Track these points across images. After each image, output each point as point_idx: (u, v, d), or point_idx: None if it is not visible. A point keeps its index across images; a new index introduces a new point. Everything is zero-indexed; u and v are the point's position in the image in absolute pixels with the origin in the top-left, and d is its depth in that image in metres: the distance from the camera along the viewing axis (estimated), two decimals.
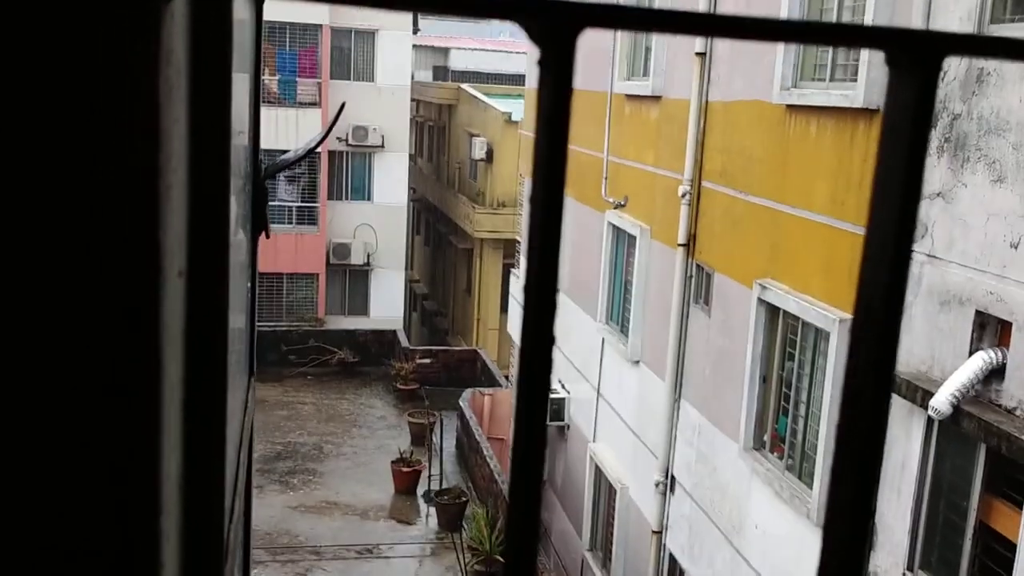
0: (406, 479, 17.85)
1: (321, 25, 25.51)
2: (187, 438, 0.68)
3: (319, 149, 25.46)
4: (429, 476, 17.80)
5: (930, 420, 6.61)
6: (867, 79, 7.41)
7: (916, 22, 6.88)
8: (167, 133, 0.50)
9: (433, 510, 17.07)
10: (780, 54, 8.68)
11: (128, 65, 0.45)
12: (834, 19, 8.18)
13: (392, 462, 18.09)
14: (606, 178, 13.01)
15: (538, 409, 0.46)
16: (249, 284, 1.70)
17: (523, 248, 18.12)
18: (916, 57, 0.46)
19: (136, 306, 0.49)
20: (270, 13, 26.54)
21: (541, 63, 0.42)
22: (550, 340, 0.48)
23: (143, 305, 0.49)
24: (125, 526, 0.53)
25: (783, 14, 8.62)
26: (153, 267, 0.48)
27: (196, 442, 0.71)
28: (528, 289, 0.45)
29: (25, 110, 0.45)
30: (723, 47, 10.05)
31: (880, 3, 7.30)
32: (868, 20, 7.43)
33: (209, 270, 0.70)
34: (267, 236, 1.75)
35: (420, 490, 17.93)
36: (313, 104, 25.52)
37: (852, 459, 0.50)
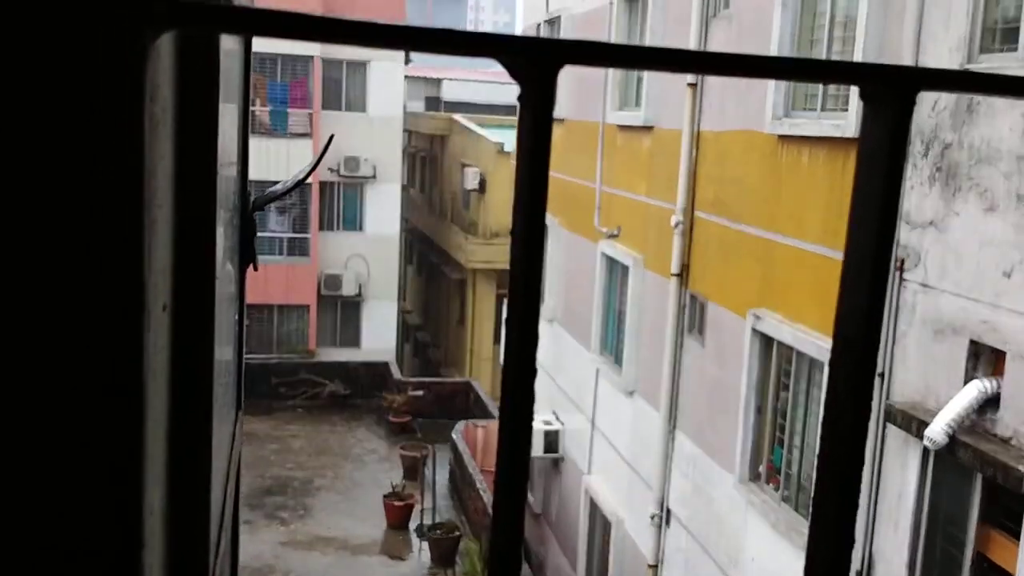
0: (398, 513, 17.69)
1: (312, 56, 25.65)
2: (172, 472, 0.65)
3: (310, 180, 25.50)
4: (422, 510, 17.65)
5: (926, 450, 6.58)
6: (858, 108, 7.45)
7: (906, 52, 6.93)
8: (151, 169, 0.48)
9: (426, 545, 16.91)
10: (771, 84, 8.73)
11: (113, 102, 0.44)
12: (824, 49, 8.25)
13: (384, 496, 17.94)
14: (599, 208, 13.05)
15: (522, 438, 0.44)
16: (237, 317, 1.67)
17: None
18: (890, 92, 0.46)
19: (118, 341, 0.47)
20: (261, 45, 26.81)
21: (521, 99, 0.41)
22: (532, 371, 0.47)
23: (125, 340, 0.47)
24: (106, 559, 0.52)
25: (773, 43, 8.69)
26: (136, 302, 0.47)
27: (181, 476, 0.68)
28: (510, 321, 0.43)
29: (9, 144, 0.44)
30: (715, 78, 10.12)
31: (870, 33, 7.36)
32: (858, 49, 7.49)
33: (195, 304, 0.67)
34: (255, 268, 1.72)
35: (413, 524, 17.76)
36: (304, 135, 25.60)
37: (834, 483, 0.49)
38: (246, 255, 1.62)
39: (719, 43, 10.02)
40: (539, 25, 16.05)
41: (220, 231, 1.28)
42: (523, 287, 0.46)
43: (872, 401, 0.49)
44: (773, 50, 8.70)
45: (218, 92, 0.72)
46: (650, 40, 11.52)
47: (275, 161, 25.00)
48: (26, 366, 0.47)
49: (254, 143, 27.99)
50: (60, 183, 0.44)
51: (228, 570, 1.49)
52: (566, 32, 14.72)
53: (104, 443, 0.48)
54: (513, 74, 0.44)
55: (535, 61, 0.43)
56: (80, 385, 0.48)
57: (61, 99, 0.43)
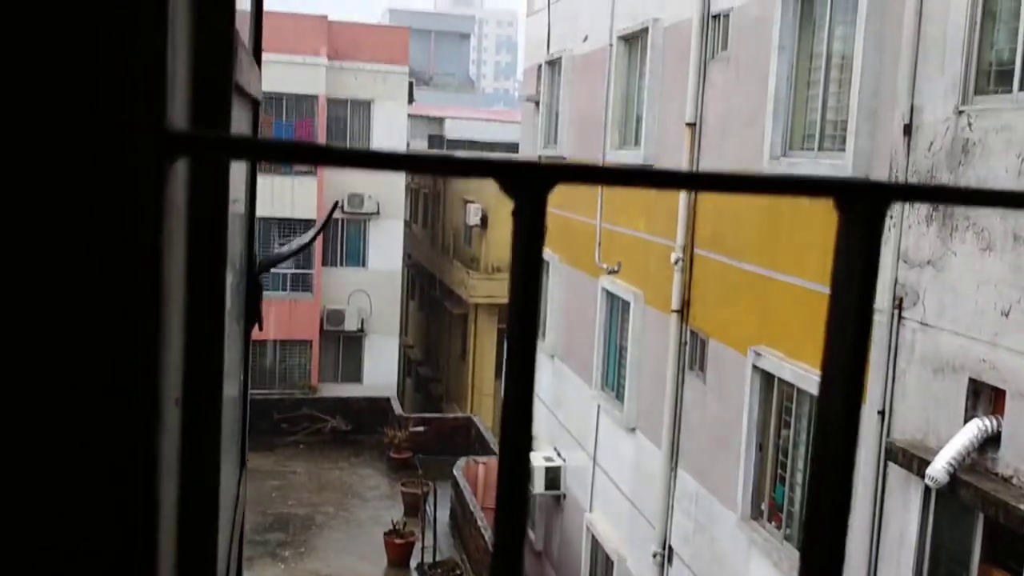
0: (399, 551, 17.57)
1: (317, 96, 25.88)
2: (180, 552, 0.69)
3: (315, 218, 25.63)
4: (423, 548, 17.53)
5: (927, 489, 6.57)
6: (855, 149, 7.53)
7: (901, 94, 7.02)
8: (166, 278, 0.52)
9: None
10: (769, 123, 8.83)
11: (132, 224, 0.47)
12: (820, 90, 8.34)
13: (385, 533, 17.83)
14: (599, 244, 13.11)
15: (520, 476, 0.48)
16: (242, 377, 1.71)
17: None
18: (862, 205, 0.50)
19: (132, 438, 0.50)
20: (267, 83, 26.92)
21: (514, 213, 0.46)
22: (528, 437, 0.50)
23: (140, 439, 0.50)
24: None
25: (771, 84, 8.79)
26: (153, 404, 0.50)
27: (189, 556, 0.71)
28: (504, 425, 0.47)
29: (33, 261, 0.47)
30: (713, 116, 10.22)
31: (866, 75, 7.46)
32: (854, 91, 7.58)
33: (204, 393, 0.71)
34: (260, 329, 1.77)
35: (413, 562, 17.63)
36: (309, 173, 25.76)
37: (823, 516, 0.52)
38: (251, 317, 1.66)
39: (717, 84, 10.14)
40: (540, 66, 16.23)
41: (230, 296, 1.33)
42: (516, 394, 0.49)
43: (851, 493, 0.54)
44: (770, 91, 8.81)
45: (227, 210, 0.76)
46: (649, 81, 11.66)
47: (280, 199, 25.14)
48: (43, 467, 0.49)
49: (260, 181, 28.03)
50: (81, 302, 0.47)
51: None
52: (566, 72, 14.88)
53: (121, 545, 0.51)
54: (508, 192, 0.49)
55: (527, 183, 0.48)
56: (97, 492, 0.50)
57: (81, 224, 0.46)
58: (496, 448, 21.69)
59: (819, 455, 0.55)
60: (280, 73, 24.86)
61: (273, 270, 26.20)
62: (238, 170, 1.46)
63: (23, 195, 0.46)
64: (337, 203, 3.09)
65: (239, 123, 1.27)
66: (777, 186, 0.56)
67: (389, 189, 27.08)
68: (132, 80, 0.46)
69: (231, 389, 1.39)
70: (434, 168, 0.50)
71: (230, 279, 1.31)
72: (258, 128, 1.69)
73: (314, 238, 2.55)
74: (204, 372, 0.72)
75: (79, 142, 0.45)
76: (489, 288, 25.84)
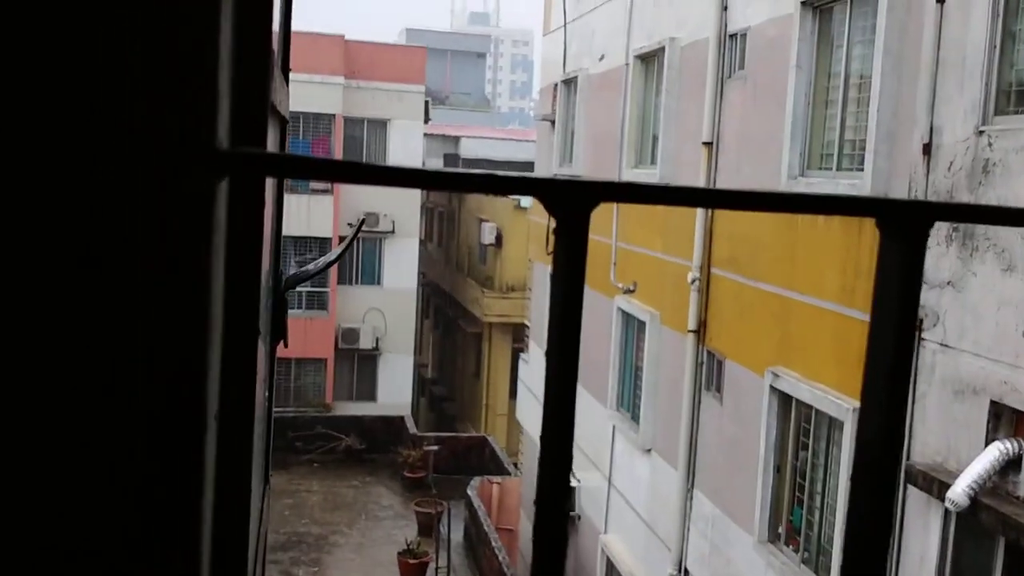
0: (413, 571, 17.50)
1: (334, 115, 26.05)
2: (214, 570, 0.68)
3: (330, 234, 25.73)
4: (436, 568, 17.46)
5: (947, 512, 6.50)
6: (874, 168, 7.50)
7: (920, 114, 6.99)
8: (214, 294, 0.52)
9: None
10: (787, 143, 8.81)
11: (186, 238, 0.47)
12: (839, 110, 8.32)
13: (399, 553, 17.77)
14: (615, 264, 13.09)
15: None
16: (267, 393, 1.70)
17: (532, 333, 17.94)
18: (904, 224, 0.49)
19: (182, 450, 0.50)
20: None
21: (556, 231, 0.46)
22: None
23: (187, 449, 0.51)
24: None
25: (788, 103, 8.77)
26: (199, 417, 0.50)
27: (220, 572, 0.71)
28: (544, 445, 0.47)
29: (89, 281, 0.47)
30: (730, 135, 10.22)
31: (884, 95, 7.44)
32: (872, 111, 7.56)
33: (239, 412, 0.71)
34: (285, 346, 1.77)
35: None
36: (325, 191, 25.89)
37: (863, 540, 0.51)
38: (277, 333, 1.66)
39: (734, 104, 10.14)
40: (556, 85, 16.28)
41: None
42: (557, 405, 0.49)
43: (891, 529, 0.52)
44: (788, 110, 8.79)
45: (263, 213, 0.77)
46: (666, 100, 11.67)
47: (296, 217, 25.25)
48: (91, 476, 0.50)
49: None
50: (135, 319, 0.48)
51: None
52: (582, 91, 14.92)
53: (164, 553, 0.51)
54: (550, 211, 0.49)
55: (570, 200, 0.48)
56: (146, 500, 0.50)
57: (133, 242, 0.47)
58: (510, 468, 21.62)
59: (860, 472, 0.54)
60: (297, 92, 24.99)
61: None
62: (267, 189, 1.46)
63: (78, 215, 0.46)
64: (363, 219, 3.11)
65: (270, 141, 1.27)
66: (818, 205, 0.55)
67: (404, 208, 27.18)
68: (188, 99, 0.46)
69: (259, 406, 1.39)
70: (477, 187, 0.50)
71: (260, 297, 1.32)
72: (286, 146, 1.69)
73: (341, 255, 2.55)
74: (239, 388, 0.71)
75: (132, 158, 0.46)
76: (503, 307, 25.84)
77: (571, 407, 0.50)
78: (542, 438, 0.50)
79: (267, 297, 1.50)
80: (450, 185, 0.46)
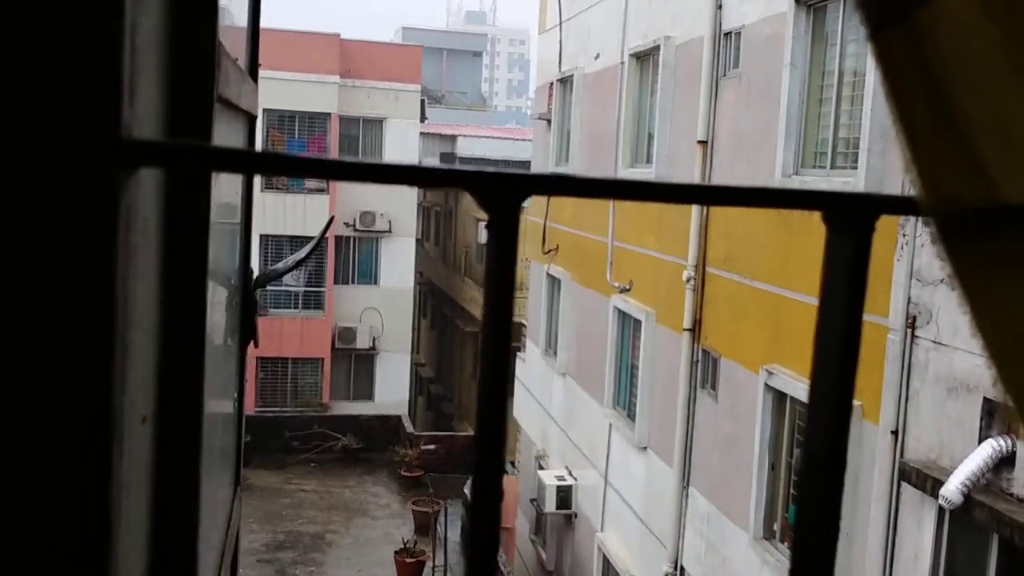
0: (410, 570, 17.51)
1: (330, 114, 26.03)
2: (155, 573, 0.67)
3: (327, 236, 25.70)
4: (433, 567, 17.47)
5: (941, 510, 6.50)
6: (867, 166, 7.50)
7: None
8: (128, 293, 0.50)
9: None
10: (781, 141, 8.81)
11: (84, 239, 0.46)
12: (833, 107, 8.32)
13: (395, 552, 17.77)
14: (611, 263, 13.09)
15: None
16: (236, 394, 1.70)
17: (529, 332, 17.96)
18: (850, 218, 0.49)
19: (86, 455, 0.49)
20: (279, 102, 27.03)
21: (488, 226, 0.45)
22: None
23: (94, 454, 0.49)
24: None
25: (783, 102, 8.77)
26: (105, 417, 0.49)
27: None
28: (478, 445, 0.46)
29: None
30: (725, 134, 10.22)
31: (878, 93, 7.43)
32: (867, 109, 7.56)
33: (181, 409, 0.70)
34: (255, 346, 1.76)
35: None
36: (321, 191, 25.87)
37: (812, 532, 0.51)
38: (247, 333, 1.65)
39: (729, 102, 10.14)
40: (552, 83, 16.28)
41: (221, 306, 1.32)
42: (489, 392, 0.48)
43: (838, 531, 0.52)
44: (782, 108, 8.79)
45: (208, 208, 0.75)
46: (661, 98, 11.67)
47: (292, 216, 25.25)
48: None
49: (272, 199, 28.10)
50: (29, 312, 0.46)
51: None
52: (578, 89, 14.92)
53: (72, 557, 0.49)
54: (481, 204, 0.48)
55: (499, 193, 0.47)
56: (50, 500, 0.49)
57: (34, 236, 0.45)
58: (507, 467, 21.63)
59: (807, 467, 0.54)
60: (293, 91, 25.03)
61: (285, 288, 26.29)
62: (232, 187, 1.45)
63: None
64: (333, 218, 3.11)
65: (231, 137, 1.26)
66: (765, 198, 0.55)
67: (401, 207, 27.17)
68: (82, 84, 0.45)
69: (222, 406, 1.38)
70: (405, 179, 0.49)
71: (224, 295, 1.30)
72: (254, 142, 1.68)
73: (310, 254, 2.54)
74: (181, 390, 0.70)
75: (24, 147, 0.44)
76: None
77: (503, 401, 0.49)
78: (475, 447, 0.49)
79: (235, 295, 1.49)
80: (373, 177, 0.45)
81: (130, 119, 0.48)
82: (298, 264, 2.50)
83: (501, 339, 0.48)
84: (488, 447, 0.48)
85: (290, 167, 0.45)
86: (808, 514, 0.53)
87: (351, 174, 0.47)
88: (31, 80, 0.44)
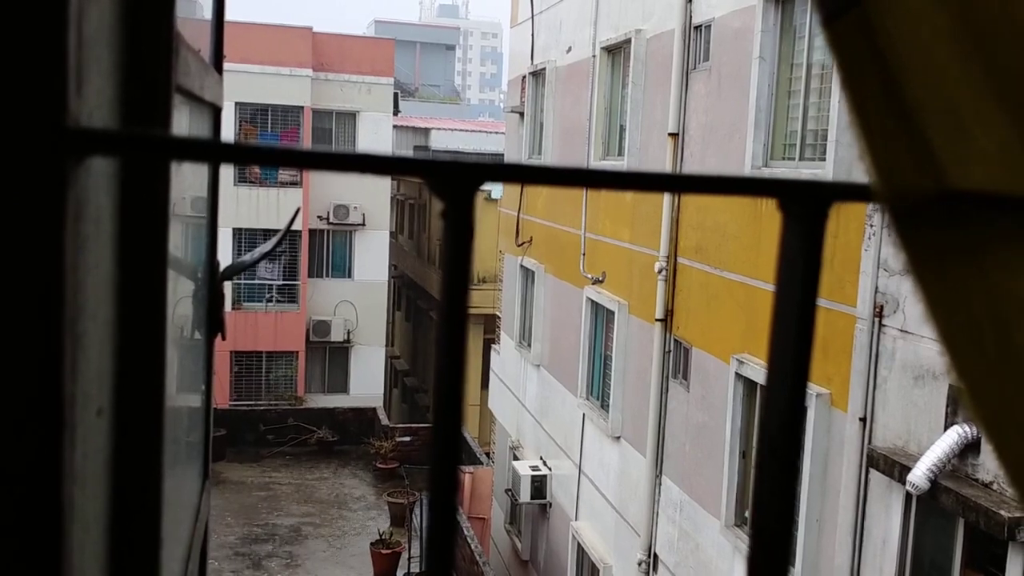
0: (385, 561, 17.51)
1: (303, 107, 25.88)
2: (115, 568, 0.68)
3: (299, 228, 25.59)
4: (409, 558, 17.48)
5: (908, 496, 6.60)
6: (835, 158, 7.58)
7: None
8: (78, 285, 0.51)
9: None
10: (751, 133, 8.88)
11: (29, 229, 0.46)
12: (801, 99, 8.39)
13: (371, 544, 17.77)
14: (584, 254, 13.13)
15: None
16: (204, 387, 1.70)
17: (504, 324, 17.94)
18: (805, 205, 0.50)
19: (36, 460, 0.49)
20: (252, 95, 26.81)
21: (443, 214, 0.46)
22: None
23: (43, 458, 0.49)
24: None
25: (752, 94, 8.84)
26: (55, 410, 0.49)
27: (123, 570, 0.71)
28: (434, 432, 0.47)
29: None
30: (696, 126, 10.27)
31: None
32: (834, 101, 7.63)
33: (141, 401, 0.71)
34: (223, 338, 1.77)
35: (400, 572, 17.57)
36: (294, 184, 25.73)
37: (768, 515, 0.52)
38: (213, 326, 1.66)
39: (699, 95, 10.19)
40: (524, 77, 16.27)
41: (187, 298, 1.33)
42: (446, 386, 0.49)
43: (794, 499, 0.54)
44: (751, 101, 8.86)
45: (167, 199, 0.76)
46: (632, 91, 11.71)
47: (266, 209, 25.09)
48: None
49: (244, 192, 27.86)
50: None
51: None
52: (550, 83, 14.93)
53: (24, 547, 0.49)
54: (436, 193, 0.49)
55: (454, 181, 0.48)
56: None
57: None
58: (482, 458, 21.65)
59: (764, 450, 0.55)
60: (265, 84, 24.87)
61: (259, 281, 26.14)
62: (198, 178, 1.46)
63: None
64: (299, 209, 3.11)
65: (194, 128, 1.27)
66: (722, 186, 0.55)
67: (374, 200, 27.08)
68: (25, 73, 0.46)
69: (188, 399, 1.39)
70: (361, 167, 0.50)
71: (190, 287, 1.31)
72: (219, 134, 1.69)
73: (277, 245, 2.55)
74: (140, 382, 0.71)
75: None
76: (474, 298, 25.79)
77: (459, 394, 0.50)
78: (432, 441, 0.51)
79: (201, 288, 1.50)
80: (327, 165, 0.47)
81: (78, 108, 0.48)
82: (265, 255, 2.50)
83: (456, 328, 0.49)
84: (446, 442, 0.49)
85: (244, 155, 0.47)
86: (764, 492, 0.55)
87: (305, 162, 0.49)
88: None
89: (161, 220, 0.73)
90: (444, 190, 0.49)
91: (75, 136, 0.46)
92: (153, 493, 0.75)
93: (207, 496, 1.71)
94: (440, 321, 0.50)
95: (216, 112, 1.57)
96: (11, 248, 0.46)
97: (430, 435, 0.51)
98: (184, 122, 1.10)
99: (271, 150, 0.48)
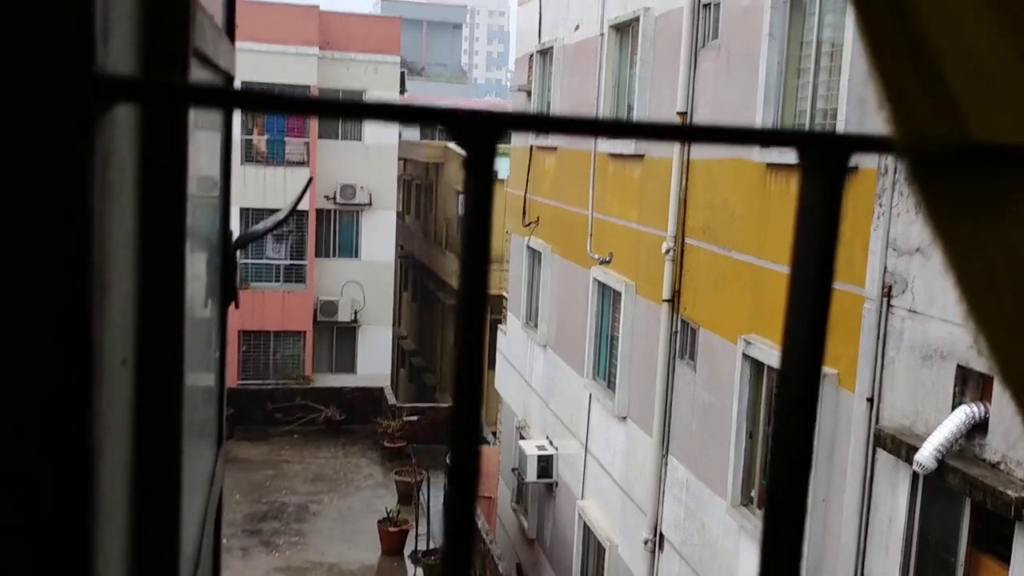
0: (393, 539, 17.62)
1: (309, 87, 25.81)
2: (137, 522, 0.69)
3: (306, 208, 25.59)
4: (416, 536, 17.59)
5: (915, 475, 6.60)
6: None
7: None
8: (105, 234, 0.52)
9: (420, 571, 16.83)
10: (759, 111, 8.83)
11: (58, 176, 0.47)
12: (811, 77, 8.34)
13: (379, 522, 17.87)
14: (591, 235, 13.11)
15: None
16: (218, 353, 1.71)
17: (510, 305, 17.95)
18: (824, 157, 0.49)
19: (65, 397, 0.50)
20: (259, 74, 26.72)
21: (466, 165, 0.46)
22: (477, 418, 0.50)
23: (72, 395, 0.50)
24: None
25: (761, 72, 8.79)
26: (83, 359, 0.50)
27: (147, 525, 0.71)
28: (457, 378, 0.47)
29: None
30: (704, 105, 10.22)
31: (856, 65, 7.46)
32: (844, 79, 7.58)
33: (161, 356, 0.71)
34: (236, 306, 1.77)
35: (407, 550, 17.69)
36: (301, 163, 25.71)
37: (786, 487, 0.52)
38: (227, 293, 1.67)
39: (708, 73, 10.14)
40: (532, 55, 16.20)
41: (201, 266, 1.34)
42: (464, 343, 0.48)
43: (812, 441, 0.54)
44: (760, 79, 8.81)
45: (186, 159, 0.76)
46: (640, 70, 11.65)
47: (273, 189, 25.09)
48: None
49: (252, 172, 27.89)
50: (4, 251, 0.47)
51: None
52: (557, 61, 14.86)
53: (53, 494, 0.50)
54: (459, 142, 0.49)
55: (477, 130, 0.48)
56: (28, 440, 0.50)
57: (5, 171, 0.46)
58: (488, 437, 21.72)
59: (782, 413, 0.55)
60: (272, 63, 24.80)
61: (266, 261, 26.17)
62: (211, 147, 1.46)
63: None
64: (311, 179, 3.11)
65: None
66: (740, 137, 0.55)
67: (381, 180, 27.06)
68: (55, 21, 0.46)
69: (204, 365, 1.40)
70: (381, 115, 0.50)
71: (204, 254, 1.32)
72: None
73: (290, 213, 2.55)
74: (160, 335, 0.72)
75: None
76: None
77: (480, 348, 0.50)
78: (451, 419, 0.50)
79: (214, 255, 1.50)
80: (348, 114, 0.47)
81: (104, 58, 0.49)
82: (278, 224, 2.52)
83: (478, 281, 0.48)
84: (466, 404, 0.49)
85: (264, 104, 0.47)
86: (782, 452, 0.55)
87: (327, 110, 0.48)
88: (2, 18, 0.45)
89: (181, 171, 0.73)
90: (467, 139, 0.48)
91: (103, 83, 0.46)
92: (174, 442, 0.76)
93: (222, 463, 1.72)
94: (462, 270, 0.50)
95: (229, 80, 1.57)
96: (44, 190, 0.47)
97: (451, 382, 0.50)
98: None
99: (289, 98, 0.48)
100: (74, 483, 0.51)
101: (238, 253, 1.88)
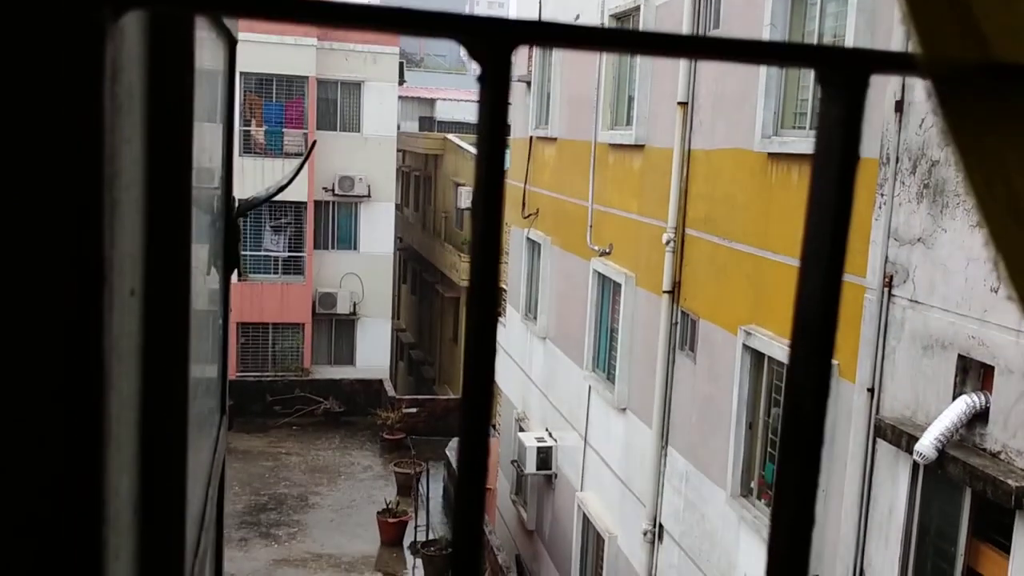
0: (392, 530, 17.64)
1: (307, 77, 25.76)
2: (144, 463, 0.68)
3: (305, 199, 25.55)
4: (416, 527, 17.60)
5: (916, 465, 6.60)
6: None
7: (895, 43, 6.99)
8: (114, 149, 0.50)
9: (420, 562, 16.85)
10: (761, 102, 8.81)
11: (69, 81, 0.46)
12: (816, 29, 8.30)
13: (378, 513, 17.89)
14: (591, 226, 13.10)
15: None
16: (221, 321, 1.70)
17: (509, 297, 17.95)
18: (844, 74, 0.48)
19: (77, 320, 0.49)
20: (257, 65, 26.69)
21: (480, 78, 0.44)
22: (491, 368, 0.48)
23: (85, 319, 0.49)
24: (64, 533, 0.52)
25: (761, 70, 8.75)
26: (96, 281, 0.49)
27: (155, 468, 0.70)
28: (470, 307, 0.46)
29: None
30: (705, 95, 10.20)
31: (860, 19, 7.43)
32: (850, 27, 7.54)
33: (168, 292, 0.70)
34: (240, 276, 1.76)
35: (407, 541, 17.70)
36: (299, 154, 25.65)
37: (795, 471, 0.50)
38: (231, 260, 1.66)
39: (709, 63, 10.10)
40: (531, 46, 16.13)
41: (204, 231, 1.32)
42: (481, 264, 0.47)
43: (829, 387, 0.52)
44: (762, 68, 8.78)
45: (192, 77, 0.74)
46: (641, 60, 11.62)
47: (271, 180, 24.99)
48: None
49: (250, 163, 27.88)
50: (15, 160, 0.46)
51: (211, 571, 1.50)
52: (557, 52, 14.82)
53: (64, 423, 0.49)
54: (473, 54, 0.47)
55: (492, 39, 0.46)
56: (38, 365, 0.49)
57: (15, 78, 0.45)
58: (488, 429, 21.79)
59: (795, 355, 0.53)
60: (270, 54, 24.74)
61: (265, 253, 26.14)
62: (213, 130, 1.44)
63: None
64: (314, 143, 3.10)
65: (215, 57, 1.25)
66: (756, 52, 0.53)
67: (380, 172, 27.02)
68: None
69: (208, 329, 1.39)
70: (394, 26, 0.48)
71: (207, 219, 1.30)
72: (235, 69, 1.68)
73: (292, 178, 2.54)
74: (168, 263, 0.70)
75: None
76: None
77: (495, 281, 0.48)
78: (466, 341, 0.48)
79: (218, 221, 1.49)
80: (352, 22, 0.45)
81: None
82: (280, 189, 2.51)
83: (493, 206, 0.47)
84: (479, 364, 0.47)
85: (272, 8, 0.45)
86: (791, 438, 0.53)
87: (334, 17, 0.46)
88: None
89: (187, 92, 0.72)
90: (482, 49, 0.46)
91: None
92: (181, 371, 0.75)
93: (224, 430, 1.71)
94: (475, 192, 0.48)
95: (232, 43, 1.55)
96: (55, 98, 0.45)
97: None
98: (205, 49, 1.08)
99: (309, 4, 0.46)
100: (86, 408, 0.50)
101: (240, 222, 1.87)
